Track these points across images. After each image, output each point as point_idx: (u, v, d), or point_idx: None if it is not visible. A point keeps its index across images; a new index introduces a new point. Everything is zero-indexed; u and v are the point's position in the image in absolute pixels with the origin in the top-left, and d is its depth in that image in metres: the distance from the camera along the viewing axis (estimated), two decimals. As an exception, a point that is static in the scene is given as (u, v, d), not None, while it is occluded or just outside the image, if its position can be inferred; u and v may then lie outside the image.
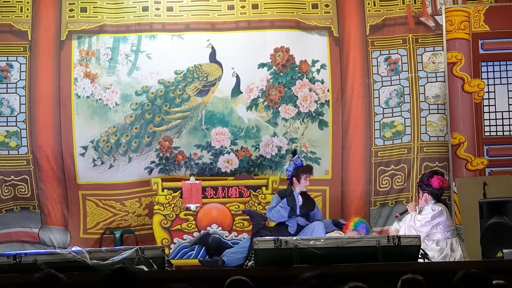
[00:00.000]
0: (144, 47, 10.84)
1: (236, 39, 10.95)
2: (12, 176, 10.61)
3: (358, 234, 9.37)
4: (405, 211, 9.50)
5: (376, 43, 10.92)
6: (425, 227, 9.10)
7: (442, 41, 10.51)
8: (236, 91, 10.88)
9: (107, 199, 10.70)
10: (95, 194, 10.69)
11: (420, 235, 8.05)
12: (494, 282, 5.22)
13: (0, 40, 10.72)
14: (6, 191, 10.60)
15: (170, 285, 4.98)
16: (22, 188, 10.62)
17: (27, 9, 10.70)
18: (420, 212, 9.28)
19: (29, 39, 10.70)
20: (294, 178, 9.51)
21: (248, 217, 10.13)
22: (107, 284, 5.09)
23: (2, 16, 10.70)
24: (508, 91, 10.32)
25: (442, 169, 10.34)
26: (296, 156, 9.73)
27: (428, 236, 9.12)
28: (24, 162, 10.65)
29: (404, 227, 9.19)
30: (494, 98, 10.30)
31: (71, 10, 10.76)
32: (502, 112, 10.30)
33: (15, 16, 10.70)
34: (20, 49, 10.71)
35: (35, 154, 10.63)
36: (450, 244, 9.08)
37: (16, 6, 10.71)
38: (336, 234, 9.38)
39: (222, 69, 10.88)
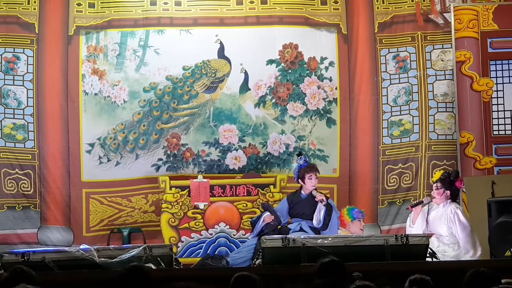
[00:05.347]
0: (152, 42, 10.81)
1: (244, 35, 10.93)
2: (16, 170, 10.54)
3: (359, 221, 9.31)
4: (420, 202, 9.08)
5: (384, 41, 10.89)
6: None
7: (451, 38, 10.49)
8: (244, 87, 10.86)
9: (112, 196, 10.65)
10: (100, 192, 10.62)
11: (425, 233, 8.06)
12: (503, 281, 5.21)
13: (7, 32, 10.66)
14: (9, 185, 10.51)
15: (175, 284, 4.94)
16: (25, 184, 10.53)
17: (34, 2, 10.67)
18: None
19: (36, 32, 10.65)
20: (300, 180, 9.25)
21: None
22: (120, 282, 5.06)
23: (8, 8, 10.64)
24: (517, 90, 10.32)
25: (450, 168, 10.26)
26: (299, 157, 9.40)
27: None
28: (29, 156, 10.58)
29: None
30: (503, 97, 10.30)
31: (78, 5, 10.72)
32: (510, 111, 10.30)
33: (22, 8, 10.65)
34: (27, 41, 10.66)
35: (41, 149, 10.58)
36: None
37: (23, -2, 10.72)
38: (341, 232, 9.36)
39: (230, 65, 10.86)
